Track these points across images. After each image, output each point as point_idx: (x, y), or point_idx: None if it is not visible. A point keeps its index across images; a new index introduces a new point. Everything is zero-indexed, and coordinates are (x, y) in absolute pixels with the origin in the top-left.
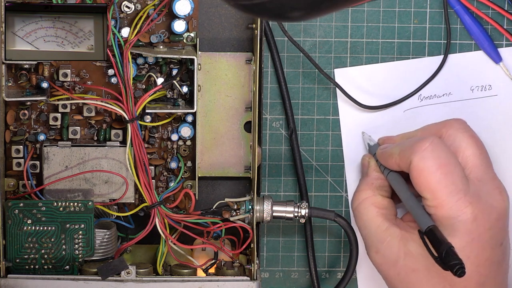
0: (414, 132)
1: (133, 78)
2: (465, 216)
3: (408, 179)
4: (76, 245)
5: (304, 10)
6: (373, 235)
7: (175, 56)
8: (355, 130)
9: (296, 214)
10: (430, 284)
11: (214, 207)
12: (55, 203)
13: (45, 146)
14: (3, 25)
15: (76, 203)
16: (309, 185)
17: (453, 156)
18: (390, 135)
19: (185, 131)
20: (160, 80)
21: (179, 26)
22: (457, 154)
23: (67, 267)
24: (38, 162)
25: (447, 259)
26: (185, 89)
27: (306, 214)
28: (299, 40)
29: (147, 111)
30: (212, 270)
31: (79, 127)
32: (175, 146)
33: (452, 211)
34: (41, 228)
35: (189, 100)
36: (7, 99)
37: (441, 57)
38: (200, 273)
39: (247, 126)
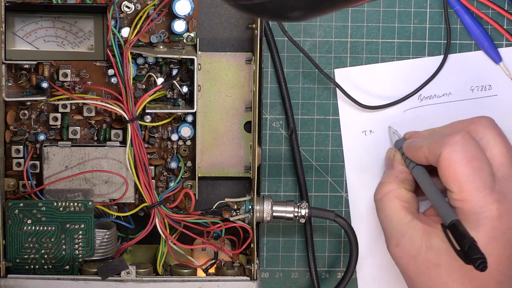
0: (441, 128)
1: (133, 78)
2: (491, 213)
3: (433, 174)
4: (76, 245)
5: (304, 10)
6: (395, 228)
7: (175, 56)
8: (355, 130)
9: (296, 214)
10: (450, 280)
11: (214, 207)
12: (55, 203)
13: (45, 146)
14: (3, 25)
15: (76, 203)
16: (309, 185)
17: (482, 152)
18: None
19: (185, 131)
20: (160, 80)
21: (179, 26)
22: (484, 151)
23: (67, 267)
24: (38, 162)
25: (470, 253)
26: (185, 89)
27: (306, 214)
28: (299, 40)
29: (147, 111)
30: (212, 270)
31: (79, 127)
32: (175, 146)
33: (478, 206)
34: (41, 228)
35: (189, 100)
36: (7, 99)
37: (441, 57)
38: (200, 273)
39: (247, 126)
